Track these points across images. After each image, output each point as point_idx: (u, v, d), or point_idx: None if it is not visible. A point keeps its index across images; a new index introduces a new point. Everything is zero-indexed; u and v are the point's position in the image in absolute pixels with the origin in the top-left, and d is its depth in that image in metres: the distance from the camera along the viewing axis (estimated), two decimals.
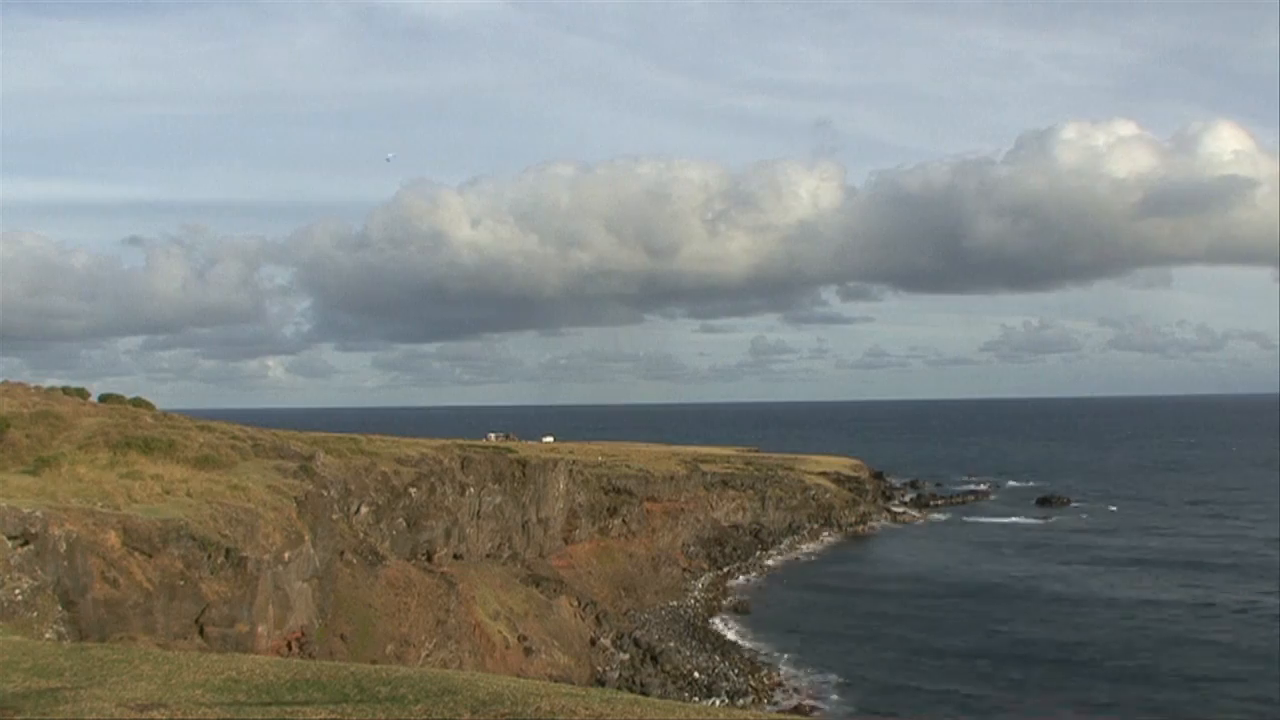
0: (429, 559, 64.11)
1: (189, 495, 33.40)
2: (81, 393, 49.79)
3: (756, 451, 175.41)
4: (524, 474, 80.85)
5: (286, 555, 36.02)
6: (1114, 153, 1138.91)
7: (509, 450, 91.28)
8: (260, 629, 32.87)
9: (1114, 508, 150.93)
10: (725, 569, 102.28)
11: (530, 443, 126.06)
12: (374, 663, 30.98)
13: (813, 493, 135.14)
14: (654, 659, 68.61)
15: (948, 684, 64.71)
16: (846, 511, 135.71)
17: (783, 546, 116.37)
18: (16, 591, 22.13)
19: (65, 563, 24.61)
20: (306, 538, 38.74)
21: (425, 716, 10.48)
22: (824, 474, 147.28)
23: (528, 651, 61.61)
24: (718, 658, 70.95)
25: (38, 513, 24.60)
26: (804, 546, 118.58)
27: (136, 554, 27.74)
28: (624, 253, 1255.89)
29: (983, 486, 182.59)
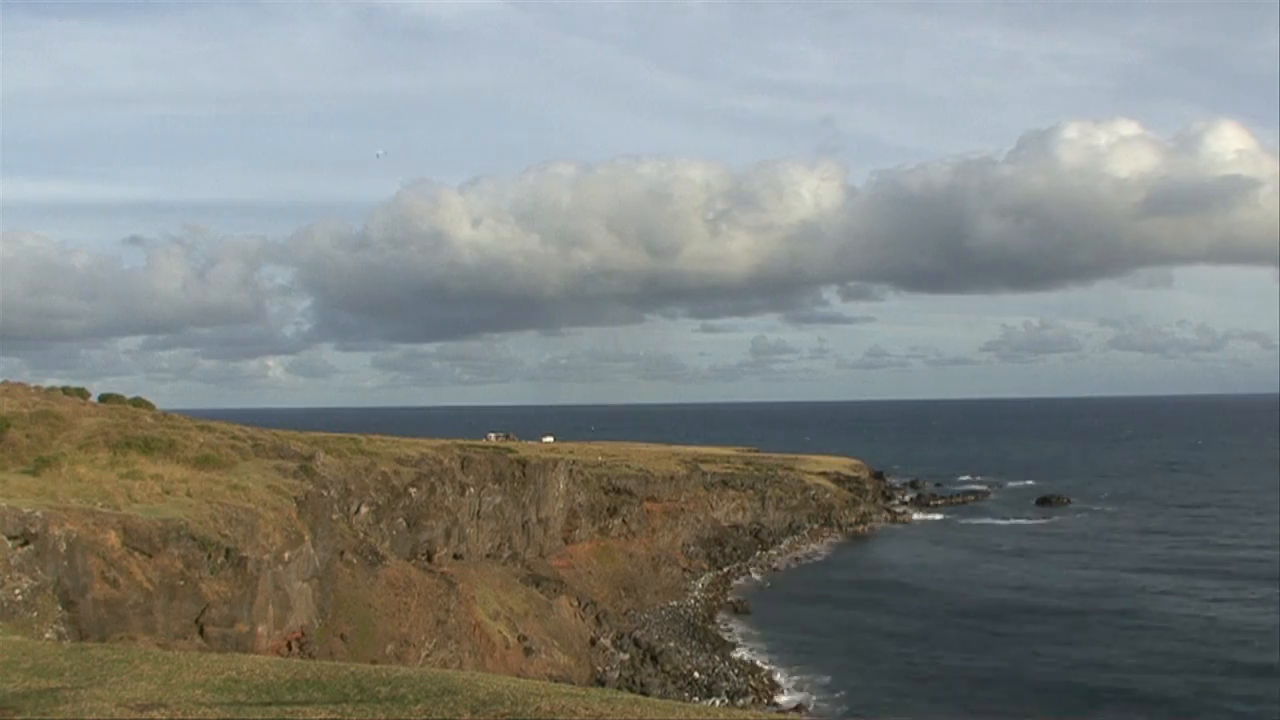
0: (429, 559, 64.11)
1: (189, 495, 33.40)
2: (81, 393, 49.79)
3: (756, 451, 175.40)
4: (524, 474, 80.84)
5: (286, 555, 36.02)
6: (1116, 152, 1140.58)
7: (509, 450, 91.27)
8: (260, 629, 32.88)
9: (1114, 508, 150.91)
10: (725, 569, 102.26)
11: (530, 443, 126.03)
12: (374, 663, 30.98)
13: (813, 493, 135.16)
14: (654, 659, 68.61)
15: (947, 684, 64.74)
16: (846, 511, 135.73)
17: (783, 546, 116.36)
18: (16, 591, 22.13)
19: (65, 563, 24.61)
20: (306, 538, 38.75)
21: (425, 716, 10.48)
22: (824, 474, 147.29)
23: (528, 651, 61.61)
24: (718, 658, 70.94)
25: (38, 513, 24.60)
26: (804, 546, 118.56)
27: (136, 554, 27.75)
28: (625, 252, 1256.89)
29: (983, 486, 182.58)
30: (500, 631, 61.36)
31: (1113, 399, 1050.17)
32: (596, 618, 73.03)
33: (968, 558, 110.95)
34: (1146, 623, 78.21)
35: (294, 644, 36.17)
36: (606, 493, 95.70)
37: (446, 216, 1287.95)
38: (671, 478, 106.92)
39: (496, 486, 76.35)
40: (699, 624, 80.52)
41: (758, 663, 70.20)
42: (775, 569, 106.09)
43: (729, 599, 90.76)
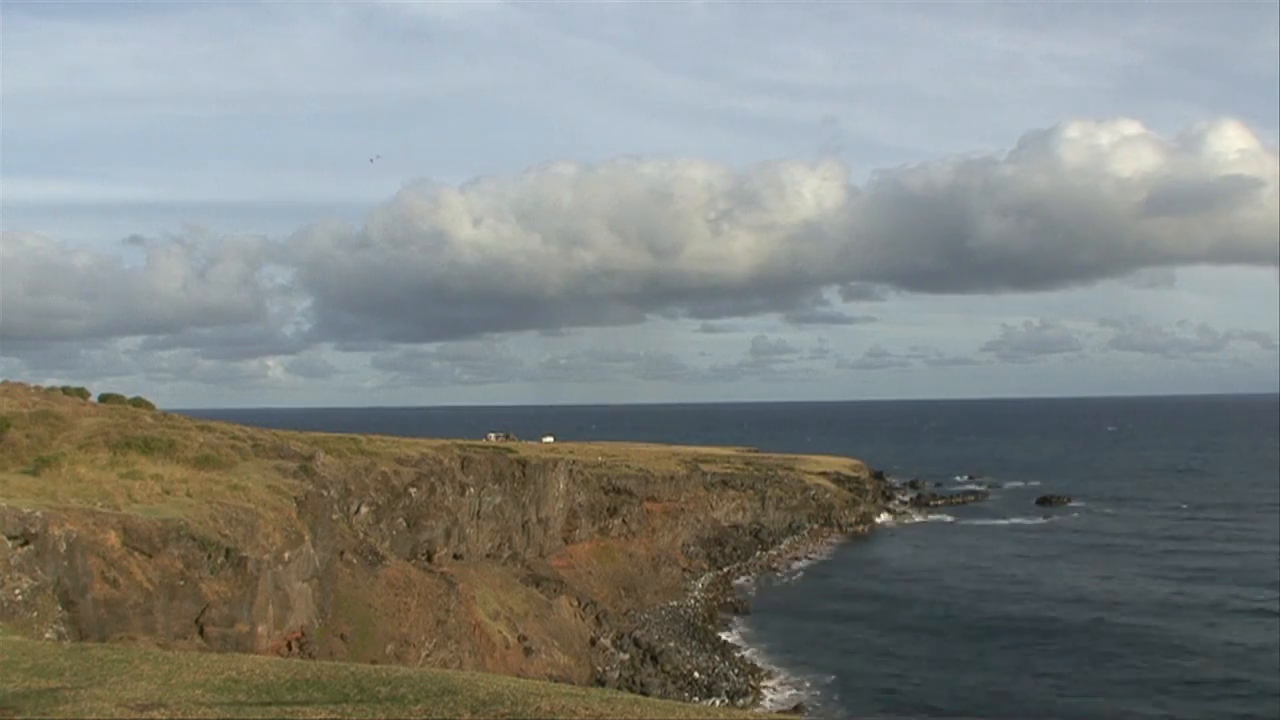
0: (429, 559, 64.09)
1: (189, 495, 33.39)
2: (81, 393, 49.79)
3: (756, 451, 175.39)
4: (524, 474, 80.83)
5: (286, 555, 36.02)
6: (1118, 152, 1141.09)
7: (509, 450, 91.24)
8: (260, 629, 32.87)
9: (1114, 509, 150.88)
10: (725, 569, 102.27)
11: (530, 443, 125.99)
12: (374, 663, 30.97)
13: (813, 493, 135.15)
14: (654, 659, 68.59)
15: (947, 685, 64.75)
16: (846, 511, 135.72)
17: (783, 547, 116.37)
18: (16, 591, 22.12)
19: (65, 563, 24.60)
20: (306, 538, 38.74)
21: (425, 716, 10.47)
22: (824, 474, 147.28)
23: (528, 651, 61.60)
24: (718, 658, 70.94)
25: (38, 513, 24.60)
26: (804, 547, 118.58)
27: (136, 554, 27.74)
28: (627, 252, 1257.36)
29: (983, 487, 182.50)
30: (500, 631, 61.34)
31: (1113, 399, 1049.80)
32: (596, 618, 73.02)
33: (968, 558, 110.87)
34: (1147, 635, 74.62)
35: (294, 644, 36.16)
36: (606, 493, 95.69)
37: (447, 216, 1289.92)
38: (671, 478, 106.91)
39: (496, 486, 76.34)
40: (699, 624, 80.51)
41: (758, 663, 70.21)
42: (775, 569, 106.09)
43: (729, 599, 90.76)
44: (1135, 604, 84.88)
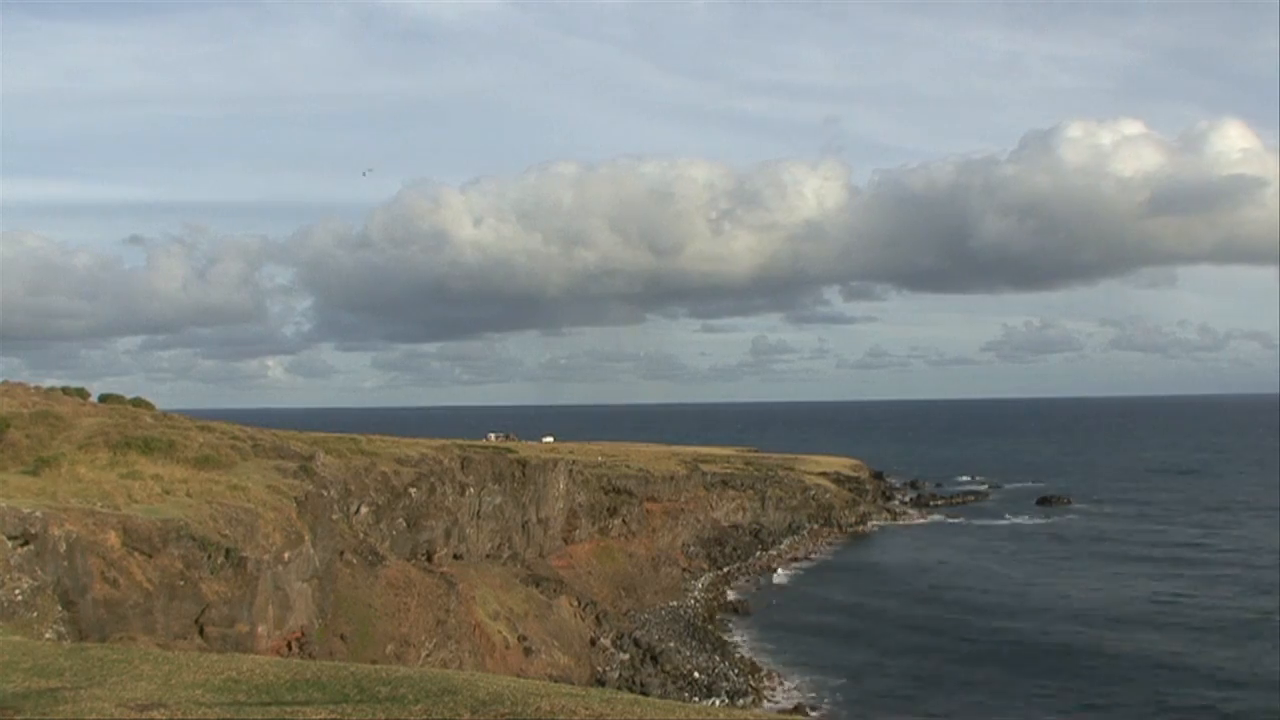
0: (429, 559, 64.09)
1: (189, 495, 33.39)
2: (81, 393, 49.79)
3: (756, 451, 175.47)
4: (524, 474, 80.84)
5: (286, 555, 36.02)
6: (1120, 152, 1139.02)
7: (509, 450, 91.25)
8: (260, 629, 32.87)
9: (1114, 509, 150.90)
10: (725, 569, 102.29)
11: (530, 443, 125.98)
12: (374, 663, 30.98)
13: (813, 493, 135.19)
14: (654, 659, 68.61)
15: (946, 684, 64.76)
16: (846, 511, 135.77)
17: (783, 547, 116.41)
18: (16, 591, 22.12)
19: (65, 563, 24.60)
20: (306, 538, 38.74)
21: (425, 716, 10.47)
22: (824, 474, 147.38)
23: (528, 651, 61.60)
24: (718, 658, 70.95)
25: (38, 513, 24.60)
26: (804, 547, 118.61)
27: (136, 554, 27.74)
28: (628, 252, 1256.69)
29: (983, 487, 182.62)
30: (500, 631, 61.35)
31: (1113, 399, 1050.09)
32: (596, 618, 73.03)
33: (968, 559, 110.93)
34: (1147, 648, 71.38)
35: (294, 644, 36.17)
36: (606, 493, 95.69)
37: (448, 216, 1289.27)
38: (671, 478, 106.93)
39: (496, 486, 76.35)
40: (699, 624, 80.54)
41: (757, 663, 70.20)
42: (775, 569, 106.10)
43: (729, 599, 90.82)
44: (1135, 608, 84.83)
